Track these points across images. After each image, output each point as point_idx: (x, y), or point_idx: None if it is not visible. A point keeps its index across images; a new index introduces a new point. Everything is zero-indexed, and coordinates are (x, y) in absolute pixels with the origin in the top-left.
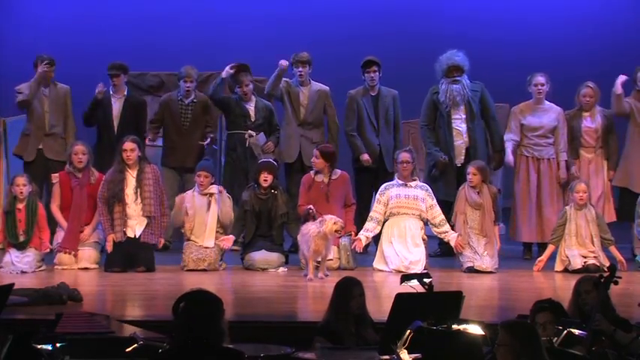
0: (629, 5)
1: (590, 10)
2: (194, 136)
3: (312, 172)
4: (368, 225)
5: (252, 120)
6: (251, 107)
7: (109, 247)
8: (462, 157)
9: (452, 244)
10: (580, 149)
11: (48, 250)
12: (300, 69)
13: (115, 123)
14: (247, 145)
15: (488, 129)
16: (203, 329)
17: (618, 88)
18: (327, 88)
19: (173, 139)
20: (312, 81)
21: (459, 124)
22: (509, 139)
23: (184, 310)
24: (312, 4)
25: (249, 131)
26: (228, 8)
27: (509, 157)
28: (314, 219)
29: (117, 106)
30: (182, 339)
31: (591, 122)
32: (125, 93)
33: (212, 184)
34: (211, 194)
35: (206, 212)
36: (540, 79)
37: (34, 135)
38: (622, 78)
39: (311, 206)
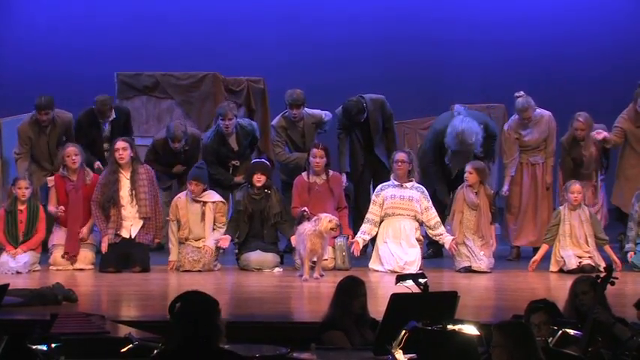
0: (619, 7)
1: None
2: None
3: (304, 174)
4: (364, 227)
5: (235, 152)
6: (233, 140)
7: (104, 249)
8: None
9: (446, 246)
10: (578, 177)
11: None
12: (295, 111)
13: (106, 146)
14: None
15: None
16: (199, 330)
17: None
18: (321, 114)
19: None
20: (306, 111)
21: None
22: (510, 173)
23: (180, 310)
24: (309, 5)
25: (233, 162)
26: (225, 9)
27: (506, 187)
28: (308, 220)
29: (106, 128)
30: (178, 340)
31: (586, 152)
32: (114, 116)
33: (204, 190)
34: (205, 202)
35: (200, 222)
36: (522, 97)
37: (36, 173)
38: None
39: (305, 208)
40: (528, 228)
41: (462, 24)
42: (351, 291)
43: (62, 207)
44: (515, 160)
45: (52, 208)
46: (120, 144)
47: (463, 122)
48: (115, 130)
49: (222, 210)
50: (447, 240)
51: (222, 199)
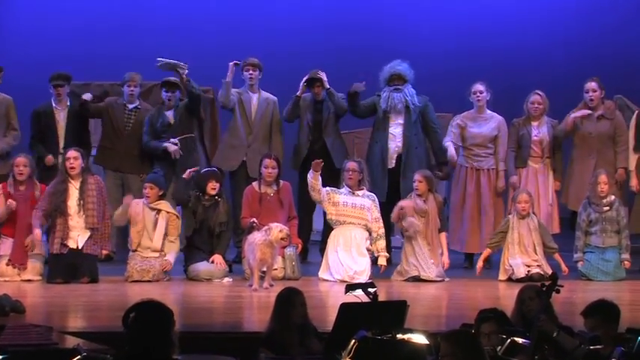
0: (577, 15)
1: (534, 20)
2: (133, 140)
3: (254, 184)
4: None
5: (171, 125)
6: (170, 114)
7: (33, 241)
8: (394, 161)
9: (379, 263)
10: (528, 159)
11: None
12: (251, 72)
13: (61, 134)
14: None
15: (431, 142)
16: (153, 340)
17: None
18: (275, 98)
19: (112, 141)
20: (261, 90)
21: (395, 129)
22: (448, 140)
23: (135, 320)
24: (259, 12)
25: (171, 139)
26: (176, 19)
27: (451, 151)
28: (258, 230)
29: (62, 117)
30: (131, 350)
31: (539, 132)
32: (68, 104)
33: (160, 197)
34: (159, 211)
35: (152, 230)
36: (479, 87)
37: None
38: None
39: (254, 220)
40: (475, 236)
41: (411, 36)
42: (289, 301)
43: (13, 201)
44: (453, 141)
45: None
46: (71, 153)
47: None
48: (72, 124)
49: (175, 223)
50: (381, 258)
51: (176, 213)
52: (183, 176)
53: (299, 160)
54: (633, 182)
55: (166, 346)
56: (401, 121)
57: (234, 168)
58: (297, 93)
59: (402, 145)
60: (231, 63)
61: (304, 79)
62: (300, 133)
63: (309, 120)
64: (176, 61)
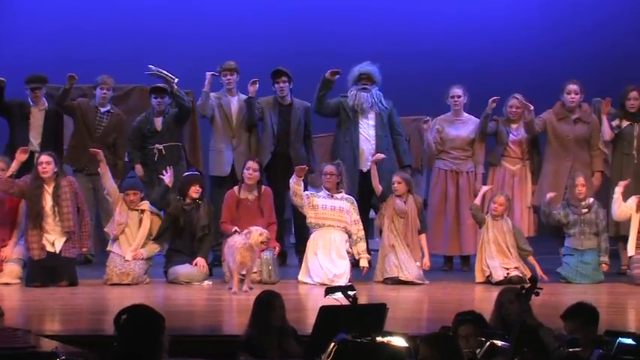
0: (553, 17)
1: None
2: (103, 144)
3: (235, 189)
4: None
5: (158, 132)
6: (158, 121)
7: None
8: (369, 164)
9: (360, 265)
10: (504, 160)
11: None
12: (229, 77)
13: (36, 136)
14: (155, 159)
15: (394, 145)
16: (143, 343)
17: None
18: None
19: (83, 141)
20: (239, 92)
21: (368, 130)
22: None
23: (126, 323)
24: (232, 17)
25: (157, 145)
26: (151, 21)
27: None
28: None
29: (38, 118)
30: (119, 352)
31: (518, 133)
32: (46, 105)
33: (142, 199)
34: (143, 210)
35: (137, 227)
36: (457, 90)
37: None
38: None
39: (236, 228)
40: (455, 238)
41: (386, 37)
42: (269, 305)
43: None
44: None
45: None
46: (43, 158)
47: None
48: (49, 126)
49: (157, 223)
50: (362, 260)
51: (159, 213)
52: (165, 182)
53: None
54: (596, 181)
55: (155, 350)
56: (372, 122)
57: (228, 172)
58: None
59: (375, 147)
60: (208, 74)
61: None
62: (264, 136)
63: (275, 123)
64: (166, 73)
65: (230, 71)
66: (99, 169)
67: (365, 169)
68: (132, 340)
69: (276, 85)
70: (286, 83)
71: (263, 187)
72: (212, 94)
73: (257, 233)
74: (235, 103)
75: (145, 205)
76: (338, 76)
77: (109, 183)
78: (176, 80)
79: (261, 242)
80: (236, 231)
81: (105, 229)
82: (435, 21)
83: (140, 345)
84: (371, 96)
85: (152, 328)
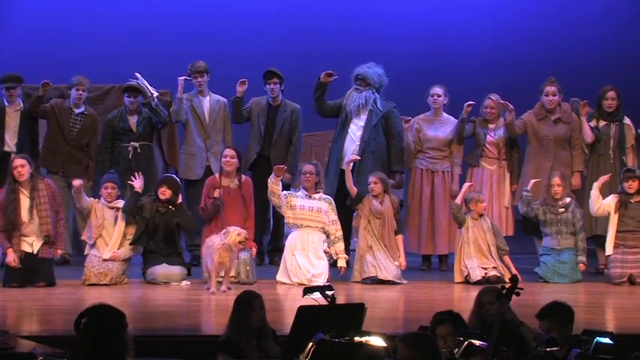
0: (532, 18)
1: (491, 22)
2: (77, 145)
3: (216, 175)
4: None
5: (133, 132)
6: (133, 120)
7: (13, 262)
8: (351, 164)
9: (338, 265)
10: (482, 160)
11: None
12: (199, 79)
13: (12, 136)
14: (130, 157)
15: (389, 148)
16: (106, 344)
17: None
18: (225, 99)
19: (57, 144)
20: (210, 92)
21: (356, 131)
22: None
23: (86, 325)
24: (214, 18)
25: (132, 143)
26: (130, 21)
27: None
28: (221, 203)
29: (13, 118)
30: (84, 355)
31: (495, 134)
32: (21, 106)
33: (118, 196)
34: (118, 208)
35: (113, 226)
36: (438, 89)
37: None
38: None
39: (217, 190)
40: (431, 237)
41: (370, 36)
42: (248, 305)
43: None
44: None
45: None
46: (18, 161)
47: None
48: (24, 126)
49: (132, 222)
50: (340, 260)
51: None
52: (135, 189)
53: (247, 165)
54: (575, 181)
55: (120, 350)
56: (362, 123)
57: (201, 176)
58: (237, 94)
59: (359, 149)
60: (180, 78)
61: (239, 80)
62: (251, 136)
63: (262, 124)
64: (148, 85)
65: (200, 72)
66: (72, 192)
67: (343, 168)
68: (95, 342)
69: (267, 86)
70: (277, 84)
71: (244, 176)
72: (184, 96)
73: (235, 233)
74: (207, 103)
75: (120, 203)
76: (333, 78)
77: (83, 201)
78: (155, 94)
79: (239, 242)
80: (217, 193)
81: (82, 238)
82: (419, 22)
83: (104, 346)
84: (360, 98)
85: (114, 327)
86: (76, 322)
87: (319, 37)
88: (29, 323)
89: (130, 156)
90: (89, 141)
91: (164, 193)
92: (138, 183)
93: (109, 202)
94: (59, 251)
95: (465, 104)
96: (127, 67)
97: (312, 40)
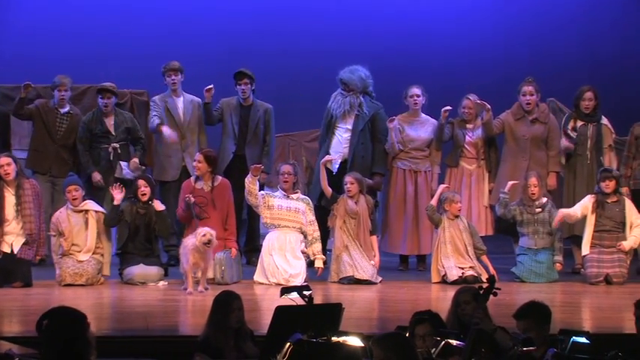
0: (511, 17)
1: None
2: (64, 145)
3: (192, 179)
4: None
5: (111, 134)
6: (110, 122)
7: None
8: (337, 166)
9: (315, 265)
10: (461, 160)
11: None
12: (173, 77)
13: None
14: (111, 158)
15: (372, 150)
16: (69, 345)
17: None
18: (199, 99)
19: (44, 144)
20: (184, 92)
21: (343, 133)
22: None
23: (48, 327)
24: (191, 17)
25: (112, 144)
26: (106, 22)
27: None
28: (199, 208)
29: None
30: (49, 357)
31: (473, 134)
32: None
33: (84, 198)
34: (87, 211)
35: (84, 231)
36: (416, 90)
37: None
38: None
39: (188, 196)
40: (413, 238)
41: (352, 36)
42: (226, 306)
43: None
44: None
45: None
46: (4, 160)
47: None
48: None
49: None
50: (317, 260)
51: (104, 210)
52: (115, 203)
53: (222, 166)
54: (551, 181)
55: (83, 350)
56: (349, 126)
57: (177, 177)
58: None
59: (347, 152)
60: (207, 88)
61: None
62: (224, 136)
63: (235, 124)
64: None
65: (174, 71)
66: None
67: (334, 172)
68: (58, 344)
69: (237, 87)
70: (248, 85)
71: (220, 178)
72: (157, 97)
73: (200, 235)
74: (181, 104)
75: (89, 204)
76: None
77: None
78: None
79: (204, 243)
80: (188, 197)
81: (52, 254)
82: (398, 21)
83: (67, 347)
84: (345, 104)
85: (76, 328)
86: (38, 323)
87: (303, 36)
88: (5, 324)
89: (112, 157)
90: (75, 140)
91: (144, 193)
92: (118, 195)
93: (76, 206)
94: (38, 257)
95: (442, 110)
96: (102, 68)
97: (285, 39)
